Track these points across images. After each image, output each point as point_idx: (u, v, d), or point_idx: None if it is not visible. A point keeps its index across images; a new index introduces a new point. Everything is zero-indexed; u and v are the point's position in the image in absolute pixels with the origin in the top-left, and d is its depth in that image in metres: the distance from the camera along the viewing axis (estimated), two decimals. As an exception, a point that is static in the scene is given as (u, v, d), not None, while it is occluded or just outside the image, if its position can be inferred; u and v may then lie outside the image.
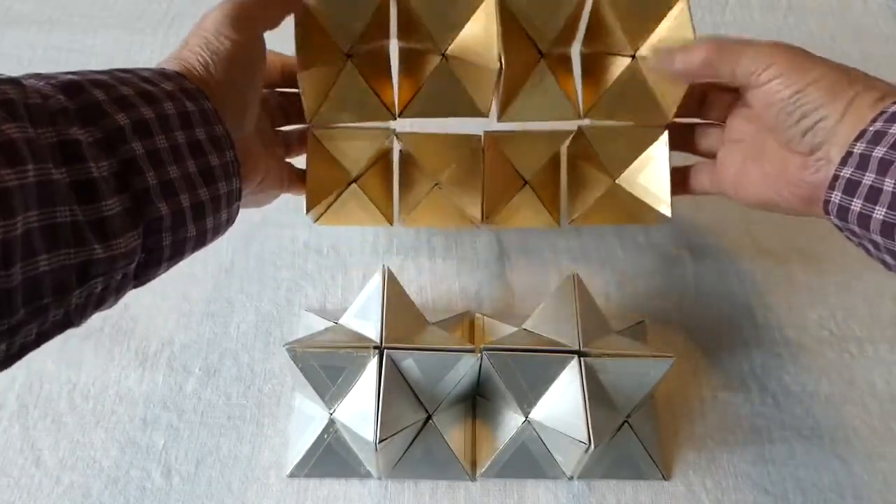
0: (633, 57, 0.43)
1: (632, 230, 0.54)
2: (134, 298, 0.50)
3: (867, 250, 0.34)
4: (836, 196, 0.34)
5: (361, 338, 0.41)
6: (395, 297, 0.43)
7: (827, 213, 0.35)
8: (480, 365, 0.41)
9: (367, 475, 0.43)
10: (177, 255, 0.31)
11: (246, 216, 0.55)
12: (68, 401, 0.45)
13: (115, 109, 0.28)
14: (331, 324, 0.45)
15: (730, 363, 0.48)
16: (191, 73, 0.34)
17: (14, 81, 0.25)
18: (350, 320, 0.43)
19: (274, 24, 0.38)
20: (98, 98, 0.28)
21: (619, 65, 0.44)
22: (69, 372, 0.46)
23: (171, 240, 0.30)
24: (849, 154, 0.33)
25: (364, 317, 0.42)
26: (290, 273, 0.52)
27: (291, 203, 0.55)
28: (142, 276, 0.30)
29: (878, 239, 0.32)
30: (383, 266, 0.43)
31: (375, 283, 0.43)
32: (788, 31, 0.69)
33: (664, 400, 0.46)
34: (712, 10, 0.70)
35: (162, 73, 0.32)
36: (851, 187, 0.33)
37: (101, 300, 0.28)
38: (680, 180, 0.47)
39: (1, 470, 0.42)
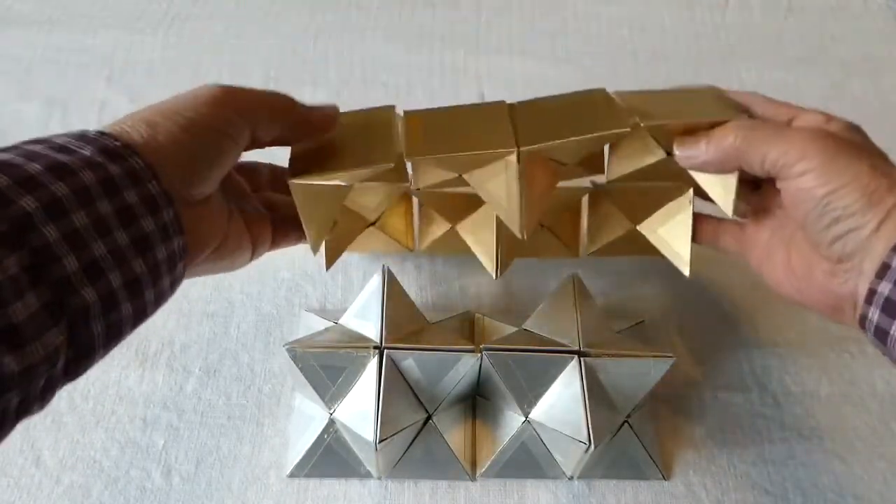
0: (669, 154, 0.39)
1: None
2: (134, 298, 0.50)
3: None
4: (874, 313, 0.31)
5: (361, 338, 0.41)
6: (395, 297, 0.43)
7: (863, 328, 0.32)
8: (480, 365, 0.41)
9: (367, 475, 0.43)
10: (113, 339, 0.28)
11: (246, 216, 0.55)
12: (68, 401, 0.45)
13: (20, 194, 0.25)
14: (331, 324, 0.45)
15: (730, 363, 0.48)
16: (124, 131, 0.30)
17: None
18: (350, 320, 0.43)
19: (259, 130, 0.35)
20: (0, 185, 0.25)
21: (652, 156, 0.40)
22: (69, 372, 0.46)
23: (103, 326, 0.27)
24: (886, 267, 0.30)
25: (364, 317, 0.42)
26: (290, 273, 0.52)
27: (291, 203, 0.56)
28: (74, 370, 0.27)
29: None
30: (383, 266, 0.43)
31: (375, 283, 0.43)
32: (788, 31, 0.69)
33: (664, 400, 0.46)
34: (712, 10, 0.71)
35: (81, 137, 0.29)
36: (892, 307, 0.30)
37: (23, 411, 0.26)
38: (710, 232, 0.43)
39: (1, 470, 0.42)
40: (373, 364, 0.40)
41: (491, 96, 0.63)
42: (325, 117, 0.39)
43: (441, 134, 0.39)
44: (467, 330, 0.48)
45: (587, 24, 0.70)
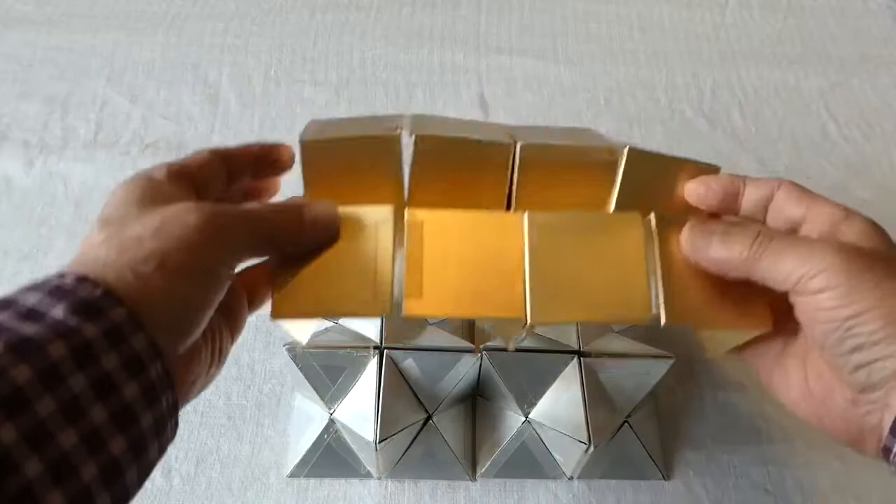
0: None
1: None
2: (134, 298, 0.50)
3: None
4: None
5: (361, 338, 0.41)
6: None
7: (889, 461, 0.29)
8: (480, 365, 0.41)
9: (368, 475, 0.43)
10: None
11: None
12: (68, 401, 0.45)
13: None
14: (331, 324, 0.45)
15: (730, 363, 0.48)
16: (103, 271, 0.26)
17: None
18: (350, 320, 0.43)
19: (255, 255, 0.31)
20: None
21: None
22: (69, 372, 0.46)
23: None
24: None
25: (364, 317, 0.42)
26: (290, 273, 0.52)
27: (291, 203, 0.56)
28: None
29: None
30: None
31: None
32: (788, 31, 0.69)
33: (664, 400, 0.46)
34: (712, 11, 0.70)
35: (54, 292, 0.24)
36: None
37: None
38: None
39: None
40: (373, 364, 0.40)
41: (491, 96, 0.63)
42: (327, 226, 0.33)
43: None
44: (467, 330, 0.48)
45: (587, 24, 0.70)
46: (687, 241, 0.33)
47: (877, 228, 0.31)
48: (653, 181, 0.37)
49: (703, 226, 0.33)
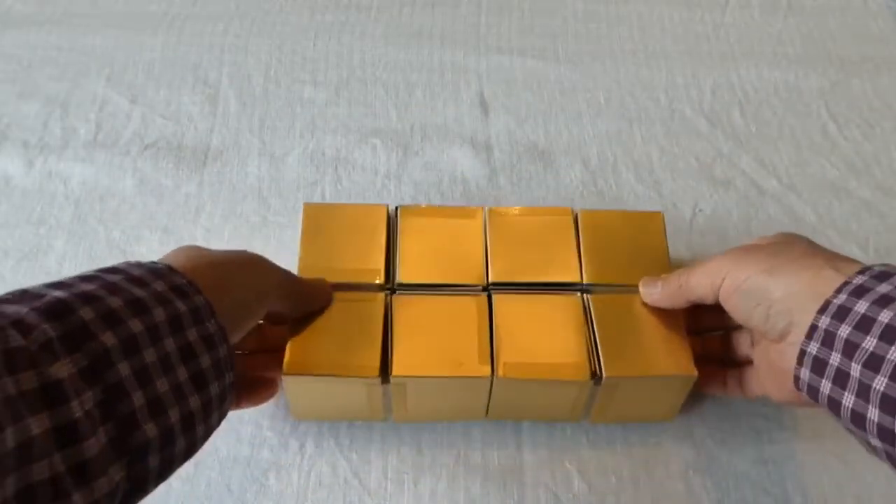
0: None
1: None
2: (134, 298, 0.50)
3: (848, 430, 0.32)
4: (805, 373, 0.32)
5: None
6: None
7: (798, 388, 0.33)
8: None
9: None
10: (164, 473, 0.29)
11: (244, 218, 0.55)
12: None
13: (103, 328, 0.26)
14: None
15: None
16: (186, 268, 0.33)
17: None
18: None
19: (288, 306, 0.40)
20: (85, 319, 0.26)
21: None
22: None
23: (158, 460, 0.28)
24: (813, 328, 0.32)
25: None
26: (290, 273, 0.52)
27: (290, 204, 0.56)
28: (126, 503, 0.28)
29: (852, 427, 0.30)
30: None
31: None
32: (788, 31, 0.69)
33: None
34: (712, 11, 0.70)
35: (153, 271, 0.31)
36: (819, 366, 0.31)
37: None
38: (736, 384, 0.43)
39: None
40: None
41: (491, 96, 0.63)
42: (323, 296, 0.42)
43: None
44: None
45: (587, 24, 0.70)
46: (642, 290, 0.43)
47: (792, 234, 0.40)
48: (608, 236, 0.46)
49: (650, 278, 0.43)
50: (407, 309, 0.42)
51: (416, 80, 0.64)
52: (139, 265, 0.31)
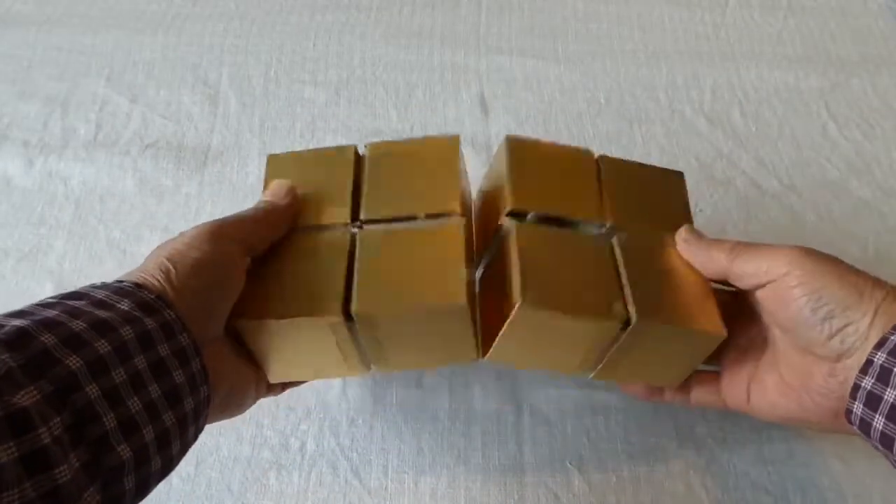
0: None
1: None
2: (134, 299, 0.50)
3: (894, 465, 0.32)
4: (858, 407, 0.32)
5: None
6: None
7: (850, 422, 0.33)
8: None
9: None
10: (140, 493, 0.28)
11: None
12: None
13: (67, 352, 0.26)
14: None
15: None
16: (148, 282, 0.31)
17: None
18: None
19: (253, 250, 0.36)
20: (47, 344, 0.26)
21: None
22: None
23: (134, 481, 0.27)
24: (869, 362, 0.31)
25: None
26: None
27: (291, 203, 0.56)
28: None
29: None
30: None
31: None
32: (788, 31, 0.69)
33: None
34: (712, 11, 0.70)
35: (118, 291, 0.30)
36: (873, 401, 0.31)
37: None
38: (680, 390, 0.41)
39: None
40: None
41: (491, 96, 0.63)
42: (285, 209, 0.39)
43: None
44: None
45: (587, 24, 0.70)
46: (682, 240, 0.39)
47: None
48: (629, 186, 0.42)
49: (693, 231, 0.40)
50: (373, 243, 0.38)
51: (416, 80, 0.64)
52: (104, 286, 0.30)
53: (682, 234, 0.40)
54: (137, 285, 0.31)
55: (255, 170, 0.58)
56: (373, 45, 0.67)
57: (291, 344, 0.37)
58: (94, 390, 0.26)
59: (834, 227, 0.55)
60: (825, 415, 0.34)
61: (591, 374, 0.40)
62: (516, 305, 0.34)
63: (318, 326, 0.36)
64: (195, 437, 0.32)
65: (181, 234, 0.35)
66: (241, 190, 0.56)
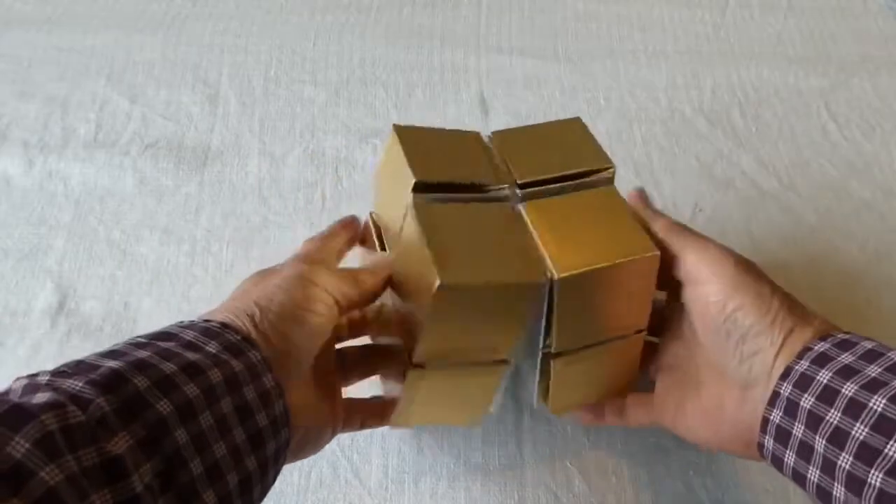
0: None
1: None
2: (135, 299, 0.50)
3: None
4: (770, 442, 0.31)
5: None
6: None
7: (763, 456, 0.33)
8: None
9: None
10: None
11: (245, 218, 0.55)
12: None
13: (158, 396, 0.26)
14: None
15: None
16: (234, 322, 0.32)
17: (54, 406, 0.23)
18: None
19: (340, 306, 0.35)
20: (139, 387, 0.26)
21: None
22: (69, 372, 0.46)
23: None
24: (776, 394, 0.31)
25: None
26: (290, 273, 0.52)
27: (290, 204, 0.56)
28: None
29: (817, 501, 0.30)
30: None
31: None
32: (788, 31, 0.69)
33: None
34: (712, 11, 0.71)
35: (206, 332, 0.30)
36: (783, 436, 0.31)
37: None
38: (614, 410, 0.41)
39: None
40: None
41: (491, 96, 0.63)
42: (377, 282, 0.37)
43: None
44: None
45: (587, 23, 0.70)
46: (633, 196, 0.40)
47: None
48: None
49: (644, 200, 0.40)
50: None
51: (416, 80, 0.64)
52: (191, 325, 0.31)
53: (632, 193, 0.40)
54: (224, 325, 0.31)
55: (255, 170, 0.58)
56: (373, 45, 0.67)
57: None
58: (182, 435, 0.26)
59: (834, 227, 0.55)
60: (739, 445, 0.34)
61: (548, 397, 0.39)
62: (434, 287, 0.31)
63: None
64: (274, 480, 0.32)
65: (274, 271, 0.35)
66: (240, 190, 0.56)
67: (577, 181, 0.38)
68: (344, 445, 0.44)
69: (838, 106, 0.63)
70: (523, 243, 0.35)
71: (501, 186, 0.37)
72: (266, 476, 0.30)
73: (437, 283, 0.31)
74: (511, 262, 0.34)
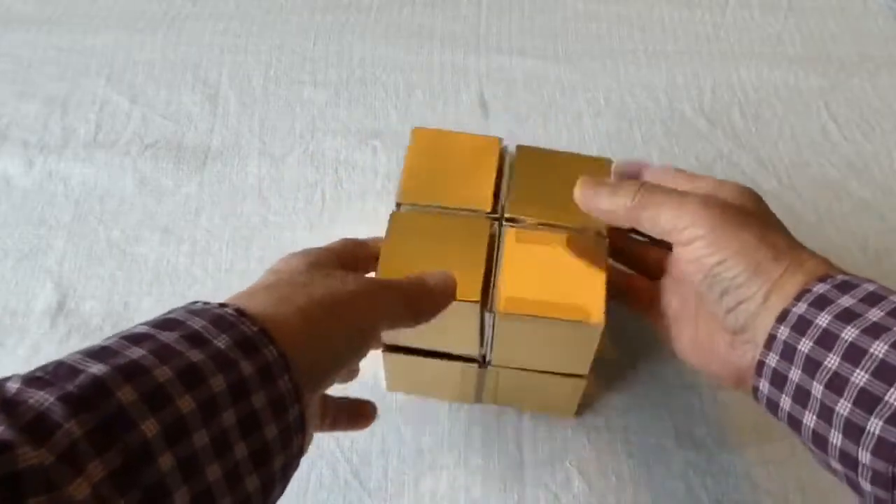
0: None
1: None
2: (134, 299, 0.50)
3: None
4: (765, 385, 0.31)
5: None
6: None
7: (758, 400, 0.32)
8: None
9: None
10: None
11: (245, 218, 0.55)
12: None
13: (144, 413, 0.22)
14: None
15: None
16: (258, 309, 0.28)
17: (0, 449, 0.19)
18: None
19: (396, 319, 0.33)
20: (123, 402, 0.22)
21: None
22: (69, 372, 0.46)
23: None
24: (772, 338, 0.30)
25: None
26: (290, 273, 0.52)
27: (290, 204, 0.56)
28: None
29: (812, 448, 0.29)
30: None
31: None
32: (788, 31, 0.69)
33: (663, 401, 0.46)
34: (712, 11, 0.70)
35: (218, 321, 0.26)
36: (779, 380, 0.30)
37: None
38: (621, 284, 0.41)
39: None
40: None
41: (491, 96, 0.63)
42: (447, 292, 0.36)
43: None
44: None
45: (587, 23, 0.70)
46: (579, 192, 0.37)
47: (749, 191, 0.35)
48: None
49: (594, 179, 0.37)
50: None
51: (416, 80, 0.64)
52: (203, 310, 0.27)
53: (577, 186, 0.37)
54: (240, 312, 0.27)
55: (255, 170, 0.58)
56: (373, 45, 0.67)
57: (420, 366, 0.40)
58: (167, 461, 0.22)
59: (834, 227, 0.55)
60: (728, 380, 0.35)
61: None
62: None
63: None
64: (280, 494, 0.28)
65: (344, 275, 0.32)
66: (240, 190, 0.56)
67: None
68: (344, 447, 0.44)
69: (838, 106, 0.63)
70: (477, 267, 0.37)
71: (480, 211, 0.39)
72: (269, 495, 0.27)
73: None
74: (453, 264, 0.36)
